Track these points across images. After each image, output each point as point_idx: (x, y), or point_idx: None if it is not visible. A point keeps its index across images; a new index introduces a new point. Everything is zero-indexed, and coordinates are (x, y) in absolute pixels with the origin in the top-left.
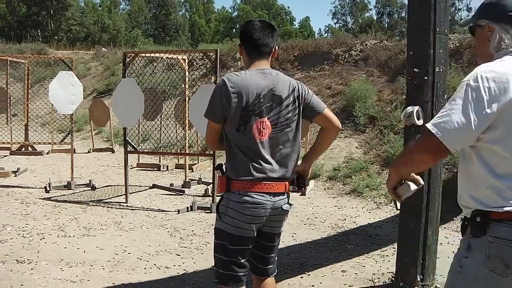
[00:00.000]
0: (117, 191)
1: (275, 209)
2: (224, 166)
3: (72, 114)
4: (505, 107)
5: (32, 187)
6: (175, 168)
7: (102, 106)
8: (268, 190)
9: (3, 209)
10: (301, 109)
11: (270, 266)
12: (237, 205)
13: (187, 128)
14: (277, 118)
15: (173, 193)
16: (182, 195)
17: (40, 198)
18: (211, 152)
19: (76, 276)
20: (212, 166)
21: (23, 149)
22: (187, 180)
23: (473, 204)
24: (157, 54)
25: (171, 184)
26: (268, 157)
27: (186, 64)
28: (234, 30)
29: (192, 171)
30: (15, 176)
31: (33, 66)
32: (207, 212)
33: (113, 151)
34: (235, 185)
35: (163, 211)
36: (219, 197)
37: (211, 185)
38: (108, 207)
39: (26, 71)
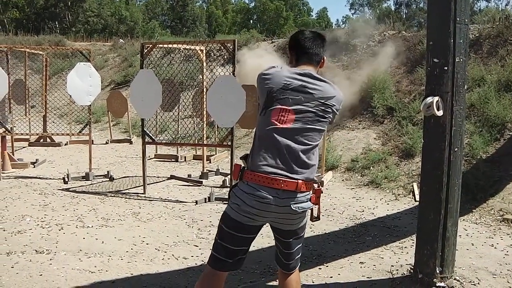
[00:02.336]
0: (135, 182)
1: (282, 206)
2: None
3: (90, 105)
4: None
5: (51, 178)
6: (193, 159)
7: (120, 97)
8: (275, 186)
9: (22, 200)
10: (330, 119)
11: (289, 262)
12: (244, 194)
13: (205, 119)
14: (303, 113)
15: (191, 184)
16: (199, 186)
17: (59, 189)
18: (229, 143)
19: (95, 267)
20: (230, 157)
21: (42, 140)
22: (205, 171)
23: None
24: (175, 45)
25: (189, 175)
26: (282, 148)
27: (204, 55)
28: (251, 21)
29: (210, 162)
30: (34, 167)
31: (51, 58)
32: (225, 203)
33: (130, 142)
34: (246, 175)
35: (181, 202)
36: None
37: (228, 176)
38: (126, 198)
39: (44, 62)
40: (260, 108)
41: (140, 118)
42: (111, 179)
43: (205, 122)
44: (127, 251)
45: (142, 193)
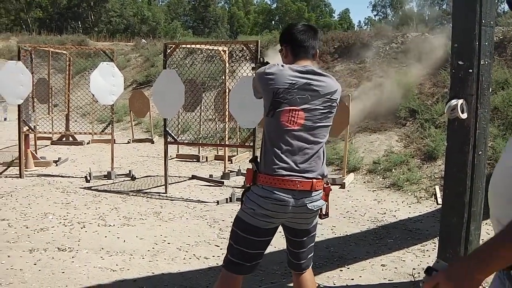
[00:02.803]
0: (157, 182)
1: (298, 207)
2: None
3: (113, 104)
4: None
5: (73, 177)
6: (214, 159)
7: (142, 97)
8: (291, 187)
9: (44, 197)
10: (334, 113)
11: (302, 262)
12: (259, 199)
13: (227, 119)
14: (312, 111)
15: (212, 184)
16: (221, 186)
17: (81, 188)
18: (251, 144)
19: (116, 265)
20: (252, 157)
21: (64, 139)
22: (226, 171)
23: None
24: (197, 46)
25: (210, 175)
26: (294, 148)
27: (227, 55)
28: (273, 22)
29: (231, 163)
30: (56, 165)
31: (74, 57)
32: None
33: (152, 142)
34: (260, 178)
35: (202, 202)
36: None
37: None
38: (148, 197)
39: (67, 62)
40: (266, 109)
41: (163, 118)
42: (133, 178)
43: (227, 123)
44: (148, 250)
45: (163, 193)
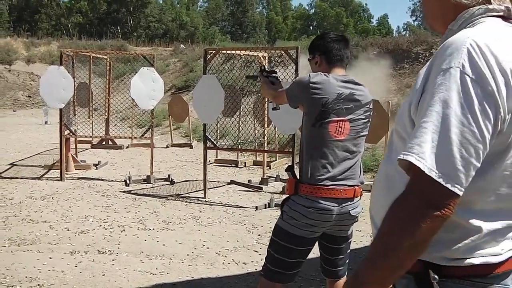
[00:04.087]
0: (196, 186)
1: (342, 214)
2: (294, 168)
3: (153, 109)
4: None
5: (113, 180)
6: (253, 164)
7: (181, 102)
8: (335, 196)
9: (85, 200)
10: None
11: (339, 269)
12: (303, 209)
13: (266, 125)
14: (355, 121)
15: (251, 190)
16: (259, 191)
17: (120, 191)
18: (290, 150)
19: (156, 269)
20: (291, 163)
21: (104, 142)
22: (265, 177)
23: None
24: (237, 52)
25: (249, 181)
26: (339, 158)
27: (266, 61)
28: (311, 27)
29: (270, 168)
30: (96, 169)
31: (113, 62)
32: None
33: (191, 147)
34: (303, 188)
35: (241, 207)
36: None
37: None
38: (187, 201)
39: (107, 66)
40: (311, 120)
41: (202, 123)
42: (172, 182)
43: (266, 128)
44: (187, 254)
45: (202, 197)
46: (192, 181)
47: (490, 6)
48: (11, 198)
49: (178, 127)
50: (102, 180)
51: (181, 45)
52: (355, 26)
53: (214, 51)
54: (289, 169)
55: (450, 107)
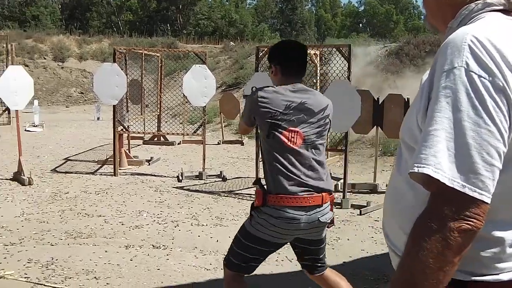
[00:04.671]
0: (247, 183)
1: (311, 222)
2: (262, 181)
3: (205, 106)
4: None
5: (165, 176)
6: None
7: (232, 99)
8: (302, 204)
9: (138, 196)
10: (328, 128)
11: (322, 264)
12: (271, 218)
13: None
14: (309, 129)
15: None
16: None
17: (173, 187)
18: (343, 148)
19: (210, 264)
20: (343, 161)
21: (156, 139)
22: None
23: None
24: None
25: None
26: (301, 167)
27: (318, 59)
28: (360, 24)
29: None
30: (149, 164)
31: (164, 59)
32: (337, 208)
33: (242, 144)
34: (271, 199)
35: None
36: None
37: (341, 181)
38: (239, 198)
39: (159, 63)
40: (265, 133)
41: None
42: (224, 179)
43: None
44: None
45: (254, 194)
46: (244, 178)
47: (488, 1)
48: (67, 192)
49: (229, 124)
50: (154, 176)
51: (231, 42)
52: (405, 23)
53: (266, 49)
54: (257, 182)
55: (461, 110)
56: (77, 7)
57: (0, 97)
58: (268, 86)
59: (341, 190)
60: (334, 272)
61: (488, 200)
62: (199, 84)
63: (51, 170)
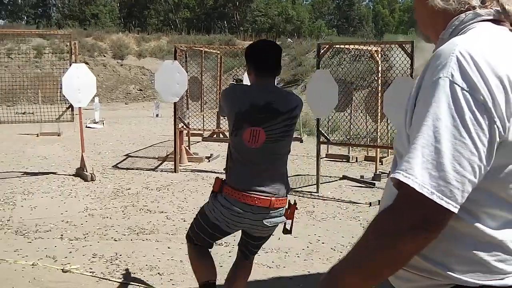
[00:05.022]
0: (307, 181)
1: (255, 220)
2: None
3: None
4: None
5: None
6: (364, 160)
7: None
8: (249, 202)
9: (199, 192)
10: (294, 128)
11: (252, 255)
12: (220, 207)
13: (378, 120)
14: (272, 130)
15: (363, 185)
16: (372, 187)
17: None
18: None
19: (272, 262)
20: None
21: (215, 135)
22: (378, 172)
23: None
24: (351, 46)
25: (361, 176)
26: (255, 166)
27: (379, 55)
28: None
29: (382, 164)
30: (209, 161)
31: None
32: None
33: (301, 141)
34: (225, 189)
35: (354, 203)
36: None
37: None
38: (300, 196)
39: (218, 61)
40: (229, 129)
41: (315, 117)
42: None
43: (379, 123)
44: (303, 249)
45: (315, 192)
46: (304, 175)
47: (479, 11)
48: (128, 189)
49: None
50: (214, 172)
51: (288, 39)
52: None
53: (327, 46)
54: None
55: (440, 119)
56: (135, 5)
57: (64, 94)
58: (239, 84)
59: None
60: (248, 268)
61: (455, 210)
62: None
63: (112, 166)
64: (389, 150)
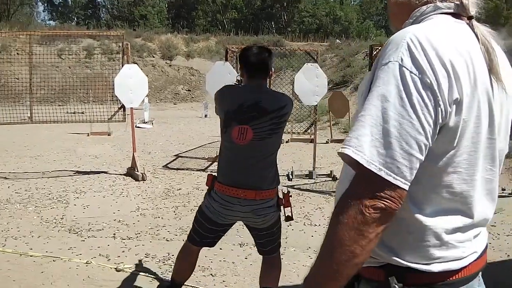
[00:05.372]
0: None
1: (245, 212)
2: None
3: (316, 105)
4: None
5: None
6: None
7: (342, 97)
8: (236, 196)
9: None
10: (283, 126)
11: (267, 249)
12: (212, 200)
13: None
14: (260, 128)
15: None
16: None
17: (284, 185)
18: None
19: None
20: None
21: None
22: None
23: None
24: None
25: None
26: (241, 162)
27: None
28: None
29: None
30: None
31: None
32: None
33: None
34: (216, 185)
35: None
36: None
37: None
38: None
39: None
40: (220, 126)
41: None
42: (334, 179)
43: None
44: None
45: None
46: None
47: (439, 4)
48: (179, 189)
49: (337, 122)
50: None
51: (337, 40)
52: None
53: (380, 47)
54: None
55: (389, 101)
56: (183, 6)
57: (117, 95)
58: (230, 85)
59: None
60: (274, 260)
61: (404, 186)
62: (311, 83)
63: (162, 167)
64: None
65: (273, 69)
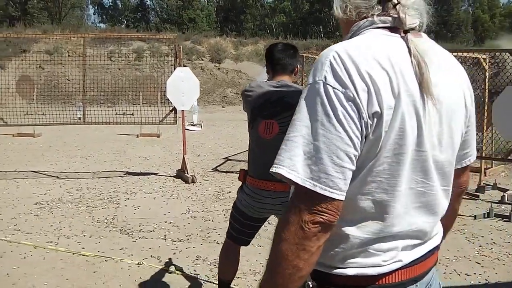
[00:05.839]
0: None
1: (275, 204)
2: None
3: None
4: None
5: None
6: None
7: None
8: (267, 188)
9: None
10: None
11: None
12: (245, 194)
13: (484, 129)
14: (286, 122)
15: (467, 197)
16: (476, 199)
17: None
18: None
19: None
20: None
21: None
22: (482, 184)
23: None
24: (454, 53)
25: None
26: (271, 156)
27: (487, 63)
28: None
29: (486, 175)
30: None
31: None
32: (505, 221)
33: None
34: (248, 179)
35: (458, 215)
36: None
37: (508, 192)
38: None
39: None
40: (248, 122)
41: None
42: None
43: (484, 132)
44: None
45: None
46: None
47: (375, 19)
48: (229, 192)
49: None
50: None
51: None
52: None
53: None
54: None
55: (317, 119)
56: (232, 9)
57: (168, 97)
58: (256, 82)
59: (509, 202)
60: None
61: (340, 197)
62: None
63: (212, 169)
64: (493, 161)
65: (298, 66)
